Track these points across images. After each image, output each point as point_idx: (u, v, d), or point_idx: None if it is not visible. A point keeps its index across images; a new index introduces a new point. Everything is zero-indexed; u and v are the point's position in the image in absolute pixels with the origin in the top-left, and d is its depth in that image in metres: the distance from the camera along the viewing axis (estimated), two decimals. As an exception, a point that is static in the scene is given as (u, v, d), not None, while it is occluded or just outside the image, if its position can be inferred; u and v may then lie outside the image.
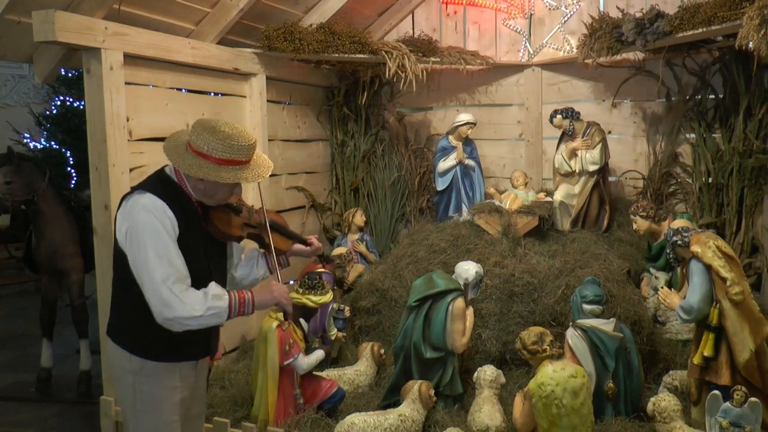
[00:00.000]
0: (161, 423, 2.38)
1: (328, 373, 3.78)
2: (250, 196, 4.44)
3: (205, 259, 2.40)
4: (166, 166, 2.41)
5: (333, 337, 4.13)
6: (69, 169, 7.94)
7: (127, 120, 3.59)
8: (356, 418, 3.16)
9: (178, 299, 2.17)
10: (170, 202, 2.26)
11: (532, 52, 5.55)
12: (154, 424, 2.38)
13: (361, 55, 4.90)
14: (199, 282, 2.32)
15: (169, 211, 2.24)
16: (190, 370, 2.47)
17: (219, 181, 2.27)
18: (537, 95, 5.58)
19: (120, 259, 2.29)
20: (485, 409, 3.34)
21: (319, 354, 3.46)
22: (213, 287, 2.28)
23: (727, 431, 2.95)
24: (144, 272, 2.19)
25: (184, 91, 4.16)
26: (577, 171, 4.91)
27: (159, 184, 2.33)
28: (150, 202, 2.23)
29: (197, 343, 2.45)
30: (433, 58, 5.20)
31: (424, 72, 4.99)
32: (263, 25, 4.61)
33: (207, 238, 2.42)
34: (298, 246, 2.76)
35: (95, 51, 3.39)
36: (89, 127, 3.49)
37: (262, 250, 2.72)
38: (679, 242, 3.32)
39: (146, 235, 2.19)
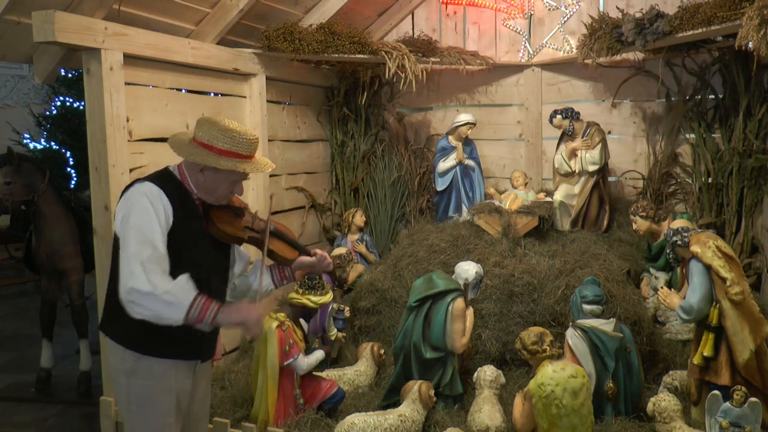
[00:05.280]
0: (156, 424, 2.37)
1: (328, 374, 3.78)
2: (251, 197, 4.45)
3: (203, 257, 2.39)
4: (170, 165, 2.45)
5: (333, 338, 4.13)
6: (69, 169, 7.94)
7: (127, 120, 3.59)
8: (356, 419, 3.16)
9: (144, 273, 2.11)
10: (170, 193, 2.29)
11: (531, 52, 5.55)
12: (148, 424, 2.37)
13: (361, 56, 4.90)
14: (196, 277, 2.30)
15: (165, 198, 2.26)
16: (186, 372, 2.45)
17: (217, 167, 2.29)
18: (537, 95, 5.58)
19: (116, 250, 2.28)
20: (485, 409, 3.34)
21: (319, 354, 3.46)
22: (185, 279, 2.19)
23: (727, 431, 2.95)
24: (124, 247, 2.18)
25: (184, 91, 4.16)
26: (577, 171, 4.92)
27: (161, 177, 2.37)
28: (147, 188, 2.27)
29: (190, 340, 2.39)
30: (432, 59, 5.20)
31: (424, 72, 5.00)
32: (263, 26, 4.62)
33: (207, 238, 2.42)
34: (304, 258, 2.66)
35: (95, 51, 3.39)
36: (89, 127, 3.49)
37: (270, 262, 2.65)
38: (679, 242, 3.33)
39: (135, 214, 2.21)
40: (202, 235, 2.40)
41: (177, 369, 2.40)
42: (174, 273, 2.25)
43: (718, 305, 3.14)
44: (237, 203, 2.53)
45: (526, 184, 5.31)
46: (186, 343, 2.41)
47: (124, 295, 2.15)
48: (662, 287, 3.48)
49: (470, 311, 3.62)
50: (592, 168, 4.85)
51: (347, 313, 4.23)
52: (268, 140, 4.84)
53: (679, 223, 3.59)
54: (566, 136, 4.99)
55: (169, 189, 2.31)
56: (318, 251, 2.70)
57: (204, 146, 2.32)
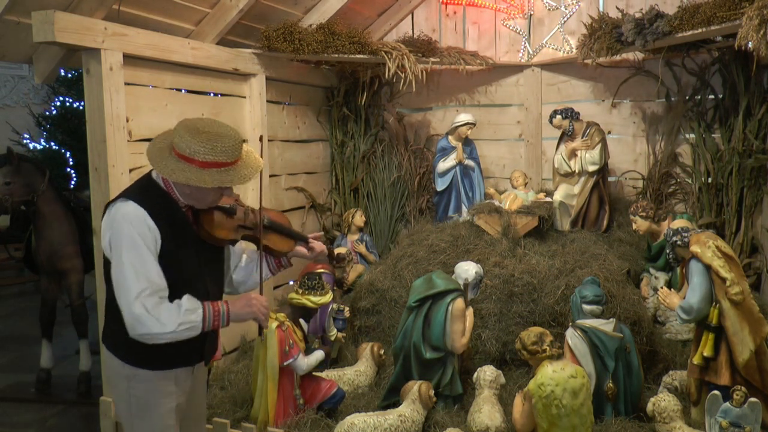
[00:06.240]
0: (157, 427, 2.35)
1: (328, 374, 3.78)
2: (250, 196, 4.44)
3: (198, 266, 2.32)
4: (153, 172, 2.31)
5: (333, 338, 4.13)
6: (69, 169, 7.93)
7: (127, 120, 3.58)
8: (356, 419, 3.16)
9: (150, 315, 2.10)
10: (154, 210, 2.18)
11: (531, 52, 5.55)
12: (149, 428, 2.34)
13: (361, 56, 4.90)
14: (193, 288, 2.26)
15: (150, 222, 2.16)
16: (187, 376, 2.42)
17: (202, 186, 2.16)
18: (536, 95, 5.58)
19: (107, 266, 2.23)
20: (485, 410, 3.34)
21: (318, 355, 3.45)
22: (186, 301, 2.18)
23: (727, 431, 2.95)
24: (120, 285, 2.13)
25: (183, 91, 4.16)
26: (577, 171, 4.92)
27: (144, 190, 2.25)
28: (132, 211, 2.15)
29: (191, 349, 2.38)
30: (432, 59, 5.20)
31: (424, 72, 5.00)
32: (263, 26, 4.61)
33: (200, 243, 2.34)
34: (300, 248, 2.67)
35: (95, 51, 3.39)
36: (89, 127, 3.49)
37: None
38: (679, 242, 3.33)
39: (124, 247, 2.12)
40: (195, 243, 2.32)
41: (177, 372, 2.38)
42: (171, 284, 2.21)
43: (718, 305, 3.14)
44: (227, 201, 2.42)
45: (525, 184, 5.31)
46: (188, 350, 2.37)
47: (136, 336, 2.14)
48: (662, 287, 3.48)
49: (470, 311, 3.62)
50: (591, 168, 4.85)
51: (347, 313, 4.23)
52: (268, 140, 4.83)
53: (678, 223, 3.60)
54: (566, 136, 4.99)
55: (154, 205, 2.19)
56: (315, 246, 2.68)
57: (185, 159, 2.15)
